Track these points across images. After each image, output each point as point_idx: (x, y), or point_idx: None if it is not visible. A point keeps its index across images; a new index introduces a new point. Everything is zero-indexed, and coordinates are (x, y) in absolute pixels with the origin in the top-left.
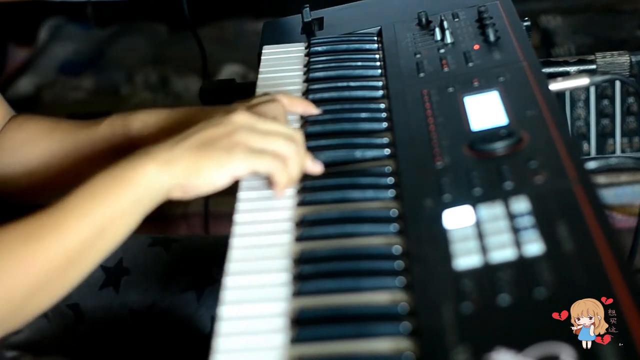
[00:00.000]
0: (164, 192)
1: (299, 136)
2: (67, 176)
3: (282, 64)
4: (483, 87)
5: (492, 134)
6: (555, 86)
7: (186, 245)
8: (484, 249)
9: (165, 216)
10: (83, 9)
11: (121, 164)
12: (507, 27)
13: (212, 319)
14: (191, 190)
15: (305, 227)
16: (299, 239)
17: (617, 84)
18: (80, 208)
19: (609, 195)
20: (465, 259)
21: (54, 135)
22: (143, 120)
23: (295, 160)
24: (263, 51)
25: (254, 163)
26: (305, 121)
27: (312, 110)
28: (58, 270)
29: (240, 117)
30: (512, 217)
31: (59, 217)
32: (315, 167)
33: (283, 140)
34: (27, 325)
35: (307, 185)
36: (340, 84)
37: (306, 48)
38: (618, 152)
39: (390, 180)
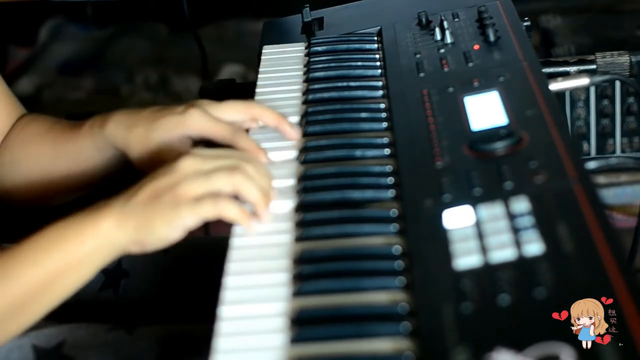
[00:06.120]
0: (118, 248)
1: (249, 156)
2: (60, 180)
3: (282, 64)
4: (483, 87)
5: (492, 134)
6: (555, 86)
7: (186, 246)
8: (484, 249)
9: None
10: (83, 9)
11: (79, 216)
12: (507, 27)
13: None
14: (147, 245)
15: (305, 227)
16: (299, 239)
17: (617, 84)
18: (29, 258)
19: (609, 195)
20: (465, 259)
21: (47, 138)
22: (116, 120)
23: (248, 186)
24: (263, 51)
25: (201, 213)
26: (306, 121)
27: (287, 128)
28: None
29: (185, 163)
30: (512, 217)
31: (8, 265)
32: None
33: (226, 173)
34: None
35: (307, 186)
36: (340, 84)
37: (306, 48)
38: (618, 152)
39: (390, 180)
